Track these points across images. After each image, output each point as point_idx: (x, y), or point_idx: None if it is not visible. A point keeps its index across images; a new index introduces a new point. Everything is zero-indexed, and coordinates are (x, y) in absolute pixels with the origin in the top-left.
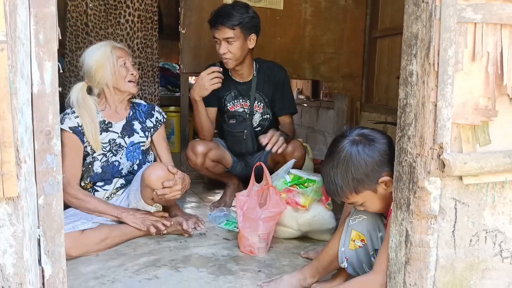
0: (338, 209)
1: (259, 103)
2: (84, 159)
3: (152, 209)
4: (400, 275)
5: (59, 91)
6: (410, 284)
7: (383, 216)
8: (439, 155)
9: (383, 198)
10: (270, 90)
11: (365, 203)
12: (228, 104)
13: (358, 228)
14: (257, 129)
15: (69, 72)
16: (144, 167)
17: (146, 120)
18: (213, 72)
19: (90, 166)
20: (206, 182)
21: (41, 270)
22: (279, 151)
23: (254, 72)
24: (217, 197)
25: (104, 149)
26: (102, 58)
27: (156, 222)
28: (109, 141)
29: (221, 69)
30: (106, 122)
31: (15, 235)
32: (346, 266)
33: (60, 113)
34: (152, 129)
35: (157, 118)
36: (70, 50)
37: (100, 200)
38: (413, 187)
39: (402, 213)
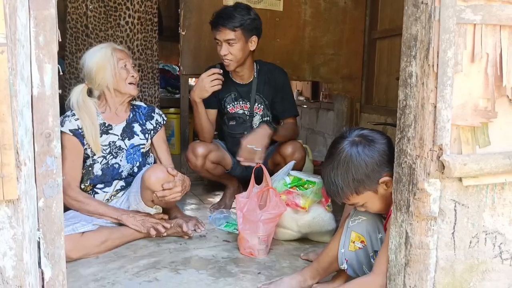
0: (338, 211)
1: (259, 105)
2: (84, 161)
3: (152, 211)
4: (400, 277)
5: (59, 93)
6: (410, 286)
7: (382, 217)
8: (439, 157)
9: (384, 198)
10: (270, 92)
11: (366, 204)
12: (228, 106)
13: (357, 229)
14: None
15: (69, 74)
16: (144, 169)
17: (146, 122)
18: (213, 74)
19: (90, 168)
20: (206, 184)
21: (41, 273)
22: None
23: (255, 73)
24: (217, 199)
25: (104, 152)
26: (103, 60)
27: (156, 224)
28: (109, 144)
29: (221, 71)
30: (106, 125)
31: (15, 238)
32: (346, 268)
33: (60, 116)
34: (152, 131)
35: (157, 120)
36: (70, 52)
37: (100, 202)
38: (412, 189)
39: (401, 214)
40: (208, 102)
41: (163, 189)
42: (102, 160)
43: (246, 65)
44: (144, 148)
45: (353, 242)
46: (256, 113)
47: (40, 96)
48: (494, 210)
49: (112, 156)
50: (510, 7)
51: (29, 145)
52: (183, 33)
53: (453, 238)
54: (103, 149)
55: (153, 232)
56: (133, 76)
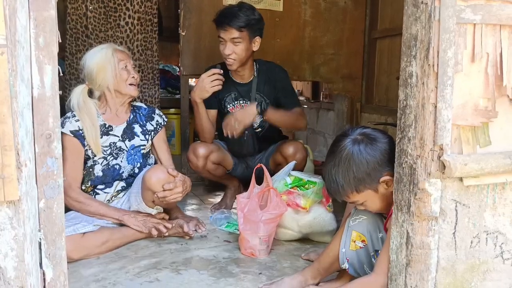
0: (339, 211)
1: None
2: (85, 162)
3: (153, 211)
4: (401, 277)
5: (60, 94)
6: (411, 286)
7: (383, 216)
8: (440, 157)
9: (384, 197)
10: (271, 91)
11: (366, 203)
12: (229, 106)
13: (358, 228)
14: (257, 130)
15: (70, 75)
16: (145, 170)
17: (147, 123)
18: (214, 74)
19: (91, 169)
20: (206, 184)
21: (42, 273)
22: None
23: (255, 73)
24: (217, 199)
25: (104, 153)
26: (103, 61)
27: (157, 225)
28: (110, 145)
29: (222, 71)
30: (107, 126)
31: (16, 239)
32: (347, 267)
33: (61, 116)
34: (152, 132)
35: (157, 121)
36: (70, 52)
37: (101, 203)
38: (413, 189)
39: (402, 214)
40: (208, 103)
41: (164, 190)
42: (103, 161)
43: (247, 65)
44: (144, 149)
45: (354, 241)
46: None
47: (40, 97)
48: (495, 210)
49: (112, 157)
50: (510, 6)
51: (29, 146)
52: (183, 33)
53: (454, 238)
54: (104, 150)
55: (154, 232)
56: (133, 77)
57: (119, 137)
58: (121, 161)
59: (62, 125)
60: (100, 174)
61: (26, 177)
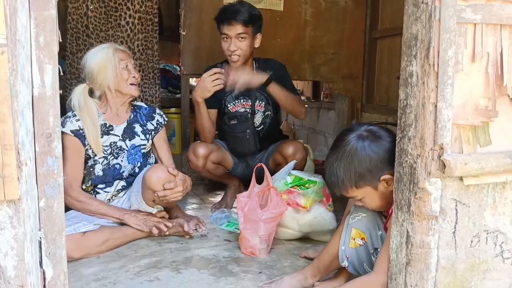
0: (339, 210)
1: (260, 102)
2: (86, 162)
3: (153, 210)
4: (401, 276)
5: (60, 93)
6: (411, 285)
7: (382, 214)
8: (440, 156)
9: (383, 196)
10: None
11: (364, 199)
12: (229, 105)
13: (358, 226)
14: (259, 128)
15: (70, 74)
16: (145, 169)
17: (147, 123)
18: (215, 73)
19: (91, 169)
20: (207, 183)
21: (42, 273)
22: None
23: (254, 71)
24: (218, 198)
25: (105, 152)
26: (104, 61)
27: (158, 224)
28: (110, 144)
29: (223, 70)
30: (107, 125)
31: (16, 238)
32: (346, 265)
33: (61, 115)
34: (153, 132)
35: (158, 120)
36: (71, 52)
37: (102, 202)
38: (413, 188)
39: (403, 214)
40: (209, 102)
41: (164, 189)
42: (103, 160)
43: (248, 63)
44: (145, 148)
45: (354, 239)
46: (258, 110)
47: (40, 96)
48: (495, 209)
49: (113, 157)
50: (511, 6)
51: (30, 146)
52: (184, 33)
53: (454, 237)
54: (104, 150)
55: (155, 231)
56: (134, 76)
57: (119, 136)
58: (122, 161)
59: (63, 124)
60: (101, 173)
61: (27, 176)
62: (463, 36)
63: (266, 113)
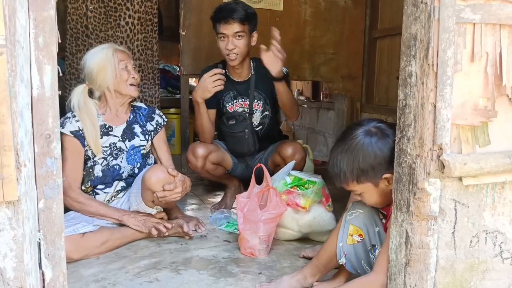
0: (339, 211)
1: (258, 101)
2: (85, 163)
3: (153, 211)
4: (400, 277)
5: (59, 94)
6: (410, 286)
7: (379, 211)
8: (439, 156)
9: (383, 193)
10: (269, 88)
11: (364, 194)
12: (227, 105)
13: (355, 222)
14: (257, 128)
15: (70, 74)
16: (145, 169)
17: (147, 124)
18: (216, 74)
19: (91, 170)
20: (206, 184)
21: (42, 274)
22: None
23: (252, 70)
24: (217, 199)
25: (104, 153)
26: (104, 61)
27: (157, 224)
28: (110, 145)
29: (223, 70)
30: (107, 126)
31: (15, 239)
32: (344, 262)
33: (61, 116)
34: (152, 133)
35: (157, 121)
36: (71, 52)
37: (101, 203)
38: (413, 188)
39: (402, 214)
40: (208, 102)
41: (164, 190)
42: (103, 161)
43: (245, 62)
44: (144, 149)
45: (351, 235)
46: (256, 109)
47: (39, 97)
48: (495, 210)
49: (112, 158)
50: (510, 6)
51: (29, 146)
52: (183, 33)
53: (454, 237)
54: (104, 151)
55: (154, 232)
56: (133, 77)
57: (119, 137)
58: (121, 161)
59: (62, 125)
60: (100, 174)
61: (26, 177)
62: (462, 36)
63: (265, 113)
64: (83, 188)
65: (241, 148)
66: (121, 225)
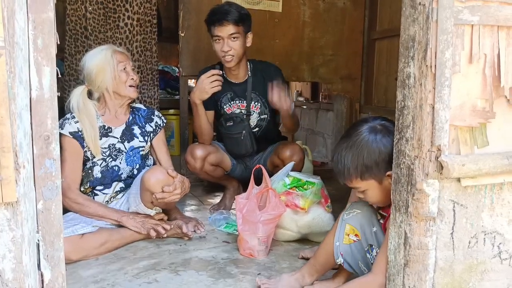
0: (338, 211)
1: (255, 103)
2: (84, 164)
3: (152, 212)
4: (399, 277)
5: (58, 95)
6: (409, 287)
7: (377, 212)
8: (437, 157)
9: (386, 191)
10: (266, 90)
11: (367, 191)
12: (225, 106)
13: (352, 222)
14: (254, 130)
15: (69, 76)
16: (144, 170)
17: (146, 125)
18: (213, 75)
19: (89, 171)
20: (205, 185)
21: (40, 275)
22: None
23: (249, 72)
24: (216, 200)
25: (103, 154)
26: (103, 62)
27: (156, 226)
28: (109, 146)
29: (221, 72)
30: (106, 127)
31: (14, 240)
32: (342, 262)
33: (60, 117)
34: (151, 134)
35: (156, 122)
36: (70, 54)
37: (100, 204)
38: (411, 189)
39: (400, 215)
40: (206, 104)
41: (163, 192)
42: (102, 162)
43: (242, 64)
44: (143, 150)
45: (348, 235)
46: (253, 111)
47: (38, 99)
48: (493, 210)
49: (111, 159)
50: (508, 7)
51: (28, 148)
52: (182, 34)
53: (452, 238)
54: (103, 152)
55: (153, 233)
56: (132, 78)
57: (118, 138)
58: (120, 163)
59: (62, 126)
60: (99, 175)
61: (24, 178)
62: (460, 37)
63: (262, 116)
64: (82, 189)
65: (239, 150)
66: (120, 226)
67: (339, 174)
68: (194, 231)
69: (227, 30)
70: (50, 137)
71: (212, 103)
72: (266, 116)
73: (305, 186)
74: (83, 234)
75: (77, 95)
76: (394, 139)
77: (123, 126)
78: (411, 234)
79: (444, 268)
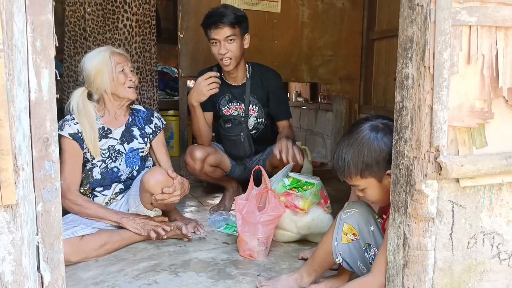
0: (337, 212)
1: (253, 106)
2: (84, 165)
3: (151, 213)
4: (398, 278)
5: (57, 97)
6: (408, 287)
7: (375, 211)
8: (436, 158)
9: (385, 190)
10: (264, 94)
11: (366, 190)
12: (223, 108)
13: (349, 221)
14: (252, 132)
15: (68, 77)
16: (143, 172)
17: (145, 127)
18: (211, 77)
19: (89, 172)
20: (205, 186)
21: (40, 277)
22: (290, 160)
23: (248, 75)
24: (216, 201)
25: (103, 156)
26: (101, 64)
27: (156, 227)
28: (109, 148)
29: (218, 74)
30: (106, 129)
31: (13, 243)
32: (341, 261)
33: (59, 119)
34: (151, 135)
35: (156, 124)
36: (69, 55)
37: (100, 206)
38: (410, 190)
39: (399, 216)
40: (204, 105)
41: (162, 193)
42: (101, 164)
43: (240, 66)
44: (143, 152)
45: (346, 234)
46: (251, 114)
47: (37, 101)
48: (492, 211)
49: (111, 160)
50: (506, 8)
51: (27, 150)
52: (181, 35)
53: (451, 239)
54: (102, 153)
55: (153, 235)
56: (131, 80)
57: (117, 140)
58: (120, 164)
59: (61, 128)
60: (99, 177)
61: (24, 181)
62: (458, 38)
63: (259, 120)
64: (81, 190)
65: (237, 151)
66: (120, 227)
67: (339, 171)
68: (194, 232)
69: (223, 32)
70: (49, 139)
71: (211, 104)
72: (263, 120)
73: (304, 187)
74: (82, 235)
75: (77, 96)
76: (393, 140)
77: (123, 128)
78: (410, 234)
79: (443, 269)
